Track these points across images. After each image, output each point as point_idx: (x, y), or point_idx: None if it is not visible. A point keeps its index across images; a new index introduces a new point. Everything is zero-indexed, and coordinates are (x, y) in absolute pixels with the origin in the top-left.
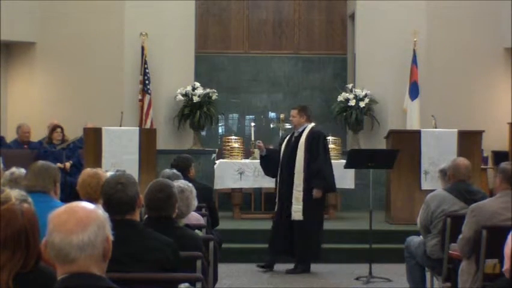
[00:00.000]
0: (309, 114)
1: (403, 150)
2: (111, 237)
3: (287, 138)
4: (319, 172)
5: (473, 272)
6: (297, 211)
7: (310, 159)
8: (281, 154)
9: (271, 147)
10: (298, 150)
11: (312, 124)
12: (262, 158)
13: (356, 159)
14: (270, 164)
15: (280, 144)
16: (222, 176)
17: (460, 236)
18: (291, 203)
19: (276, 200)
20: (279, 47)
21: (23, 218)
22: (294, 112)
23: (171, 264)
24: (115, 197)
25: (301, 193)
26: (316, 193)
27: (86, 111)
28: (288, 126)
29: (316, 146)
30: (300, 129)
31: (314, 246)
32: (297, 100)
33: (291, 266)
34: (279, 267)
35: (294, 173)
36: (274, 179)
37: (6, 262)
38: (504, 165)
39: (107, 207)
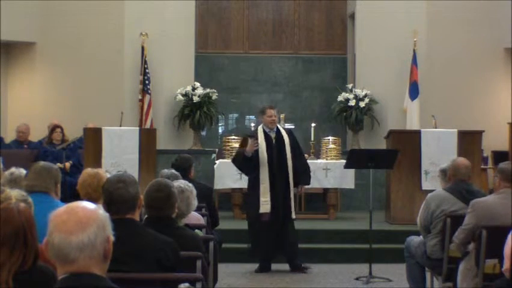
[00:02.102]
0: None
1: (403, 150)
2: (112, 238)
3: (262, 138)
4: (307, 169)
5: (471, 270)
6: (292, 211)
7: (295, 158)
8: (265, 155)
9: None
10: (286, 150)
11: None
12: (246, 159)
13: (356, 159)
14: (250, 165)
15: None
16: (222, 176)
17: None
18: (287, 203)
19: (268, 200)
20: (279, 47)
21: (20, 217)
22: (274, 112)
23: (171, 263)
24: (116, 194)
25: (292, 192)
26: (303, 189)
27: (86, 111)
28: (289, 126)
29: (297, 143)
30: (275, 129)
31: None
32: (297, 100)
33: (285, 265)
34: (278, 266)
35: (288, 173)
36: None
37: (6, 261)
38: (503, 165)
39: (107, 206)
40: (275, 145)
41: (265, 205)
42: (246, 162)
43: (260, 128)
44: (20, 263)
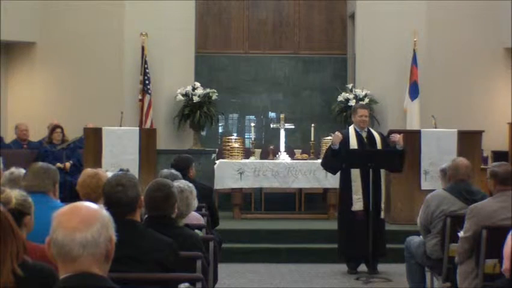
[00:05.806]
0: None
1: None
2: (114, 238)
3: (354, 137)
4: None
5: (472, 271)
6: (381, 211)
7: None
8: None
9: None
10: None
11: None
12: (333, 152)
13: (356, 159)
14: (338, 160)
15: (345, 145)
16: (222, 176)
17: (461, 235)
18: (378, 203)
19: (360, 197)
20: (279, 47)
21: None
22: (367, 112)
23: (171, 264)
24: (114, 198)
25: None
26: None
27: (86, 111)
28: (289, 126)
29: (388, 144)
30: (366, 129)
31: None
32: (297, 100)
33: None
34: (278, 266)
35: (379, 174)
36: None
37: (6, 252)
38: (495, 168)
39: (107, 207)
40: (367, 143)
41: (358, 203)
42: (332, 155)
43: (351, 128)
44: (16, 253)
